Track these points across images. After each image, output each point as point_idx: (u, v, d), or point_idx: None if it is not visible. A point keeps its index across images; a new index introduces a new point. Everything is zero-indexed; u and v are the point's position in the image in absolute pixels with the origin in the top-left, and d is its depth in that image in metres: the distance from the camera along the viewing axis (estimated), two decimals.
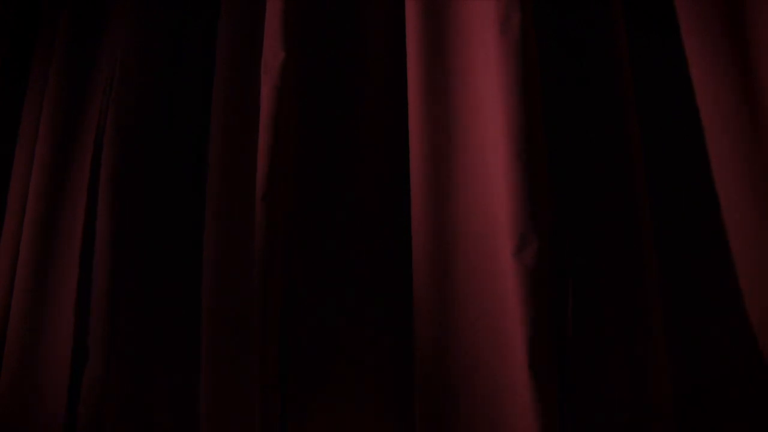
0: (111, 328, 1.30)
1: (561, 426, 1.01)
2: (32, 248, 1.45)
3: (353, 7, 1.37)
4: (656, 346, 1.05)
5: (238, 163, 1.33)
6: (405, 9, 1.27)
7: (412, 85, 1.22)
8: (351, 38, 1.36)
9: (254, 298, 1.17)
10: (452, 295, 1.11)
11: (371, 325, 1.20)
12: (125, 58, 1.48)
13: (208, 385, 1.22)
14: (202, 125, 1.43)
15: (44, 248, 1.45)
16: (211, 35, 1.49)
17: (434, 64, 1.21)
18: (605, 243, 1.11)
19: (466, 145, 1.16)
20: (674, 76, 1.17)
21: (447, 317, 1.10)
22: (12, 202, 1.59)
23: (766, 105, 1.09)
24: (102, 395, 1.26)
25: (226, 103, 1.38)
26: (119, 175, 1.39)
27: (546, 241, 1.05)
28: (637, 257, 1.08)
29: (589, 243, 1.12)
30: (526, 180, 1.06)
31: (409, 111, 1.22)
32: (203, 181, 1.37)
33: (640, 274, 1.08)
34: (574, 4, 1.25)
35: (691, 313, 1.10)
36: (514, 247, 1.04)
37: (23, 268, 1.45)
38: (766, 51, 1.10)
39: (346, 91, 1.33)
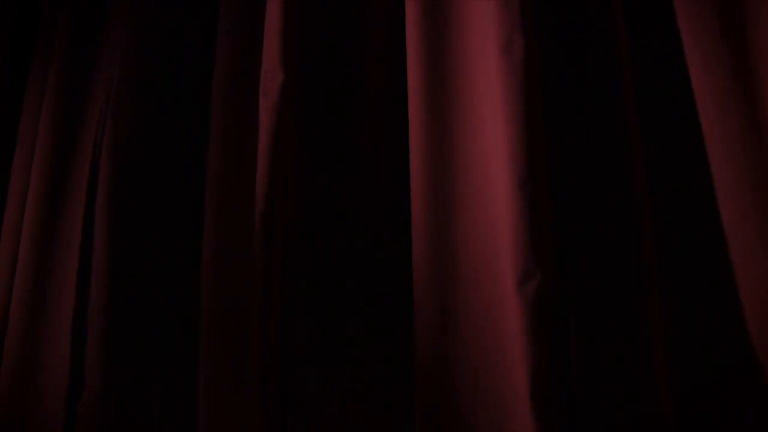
0: (110, 330, 1.30)
1: None
2: (32, 248, 1.45)
3: (353, 28, 1.37)
4: (660, 376, 1.04)
5: (238, 165, 1.33)
6: (406, 36, 1.27)
7: (412, 110, 1.21)
8: (350, 62, 1.35)
9: (254, 299, 1.17)
10: (453, 325, 1.10)
11: (372, 332, 1.20)
12: (125, 58, 1.48)
13: (207, 387, 1.21)
14: (201, 126, 1.43)
15: (44, 248, 1.45)
16: (211, 35, 1.48)
17: (435, 91, 1.20)
18: (608, 273, 1.10)
19: (467, 173, 1.16)
20: (673, 77, 1.17)
21: (447, 348, 1.09)
22: (11, 202, 1.59)
23: (766, 104, 1.09)
24: (102, 396, 1.26)
25: (225, 103, 1.38)
26: (118, 176, 1.38)
27: (549, 273, 1.04)
28: (642, 289, 1.08)
29: (592, 272, 1.12)
30: (528, 211, 1.05)
31: (410, 137, 1.21)
32: (203, 182, 1.37)
33: (644, 305, 1.07)
34: (573, 4, 1.25)
35: (692, 323, 1.09)
36: (516, 280, 1.03)
37: (23, 268, 1.45)
38: (765, 51, 1.10)
39: (344, 113, 1.32)
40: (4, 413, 1.33)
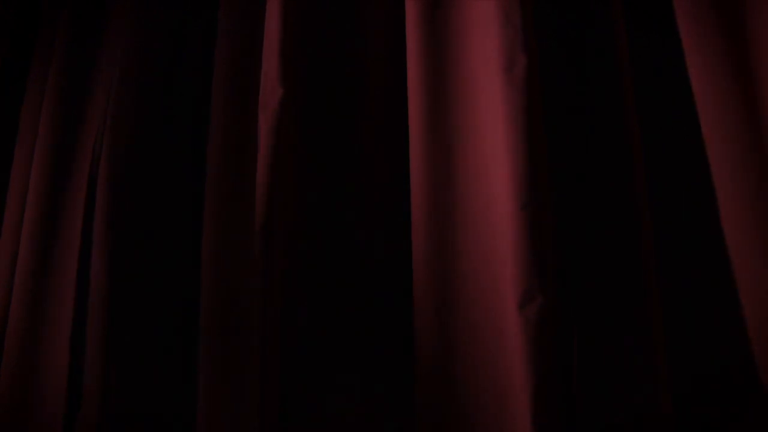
0: (109, 330, 1.29)
1: None
2: (32, 248, 1.45)
3: (354, 46, 1.36)
4: (664, 399, 1.03)
5: (238, 165, 1.32)
6: (406, 59, 1.26)
7: (413, 129, 1.21)
8: (351, 79, 1.35)
9: (254, 300, 1.17)
10: (454, 344, 1.09)
11: (372, 333, 1.20)
12: (125, 58, 1.48)
13: (207, 387, 1.21)
14: (201, 126, 1.43)
15: (44, 248, 1.45)
16: (211, 35, 1.48)
17: (436, 111, 1.20)
18: (611, 293, 1.10)
19: (468, 194, 1.15)
20: (673, 79, 1.17)
21: (448, 369, 1.08)
22: (11, 201, 1.59)
23: (766, 104, 1.09)
24: (101, 397, 1.25)
25: (225, 103, 1.38)
26: (118, 176, 1.38)
27: (551, 295, 1.03)
28: (644, 307, 1.07)
29: (593, 289, 1.11)
30: (530, 232, 1.04)
31: (410, 156, 1.21)
32: (203, 182, 1.37)
33: (647, 324, 1.06)
34: (573, 6, 1.25)
35: (691, 325, 1.09)
36: (517, 302, 1.02)
37: (23, 268, 1.45)
38: (765, 51, 1.10)
39: (344, 125, 1.32)
40: (3, 413, 1.33)
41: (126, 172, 1.39)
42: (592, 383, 1.07)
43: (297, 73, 1.30)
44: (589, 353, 1.08)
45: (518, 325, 1.01)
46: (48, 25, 1.68)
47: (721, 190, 1.09)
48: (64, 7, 1.64)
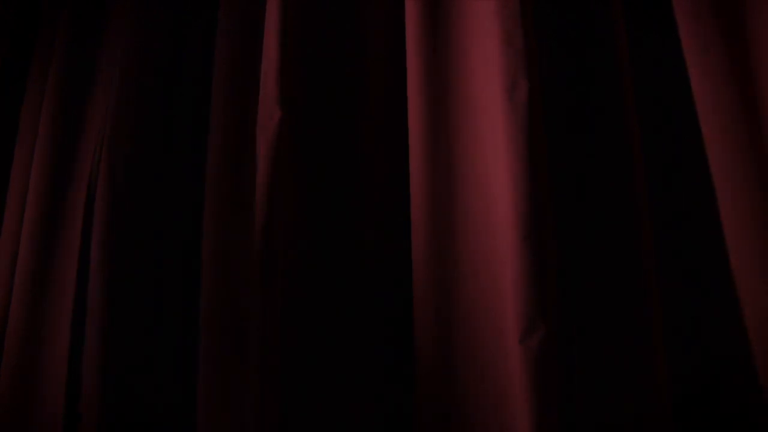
0: (108, 331, 1.29)
1: None
2: (31, 248, 1.45)
3: (353, 66, 1.35)
4: (663, 403, 1.03)
5: (238, 165, 1.32)
6: (407, 78, 1.25)
7: (414, 155, 1.20)
8: (351, 98, 1.34)
9: (254, 302, 1.17)
10: (455, 375, 1.08)
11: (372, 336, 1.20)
12: (125, 58, 1.48)
13: (207, 389, 1.21)
14: (202, 126, 1.43)
15: (44, 248, 1.45)
16: (212, 35, 1.48)
17: (438, 141, 1.19)
18: (613, 322, 1.09)
19: (469, 223, 1.14)
20: (674, 91, 1.16)
21: (449, 399, 1.08)
22: (11, 202, 1.59)
23: (766, 104, 1.09)
24: (100, 397, 1.25)
25: (225, 103, 1.38)
26: (117, 178, 1.37)
27: (553, 326, 1.02)
28: (648, 341, 1.06)
29: (596, 323, 1.10)
30: (533, 264, 1.02)
31: (410, 185, 1.19)
32: (202, 183, 1.37)
33: (650, 356, 1.05)
34: (576, 22, 1.24)
35: (691, 328, 1.09)
36: (519, 334, 1.01)
37: (23, 268, 1.44)
38: (765, 51, 1.10)
39: (343, 158, 1.30)
40: (3, 413, 1.33)
41: (126, 173, 1.38)
42: (592, 388, 1.06)
43: (295, 94, 1.29)
44: (589, 365, 1.08)
45: (520, 359, 1.00)
46: (48, 25, 1.68)
47: (721, 190, 1.09)
48: (64, 7, 1.64)
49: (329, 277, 1.23)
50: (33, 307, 1.41)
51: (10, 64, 1.71)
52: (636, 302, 1.08)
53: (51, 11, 1.69)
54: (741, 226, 1.07)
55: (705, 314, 1.09)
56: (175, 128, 1.47)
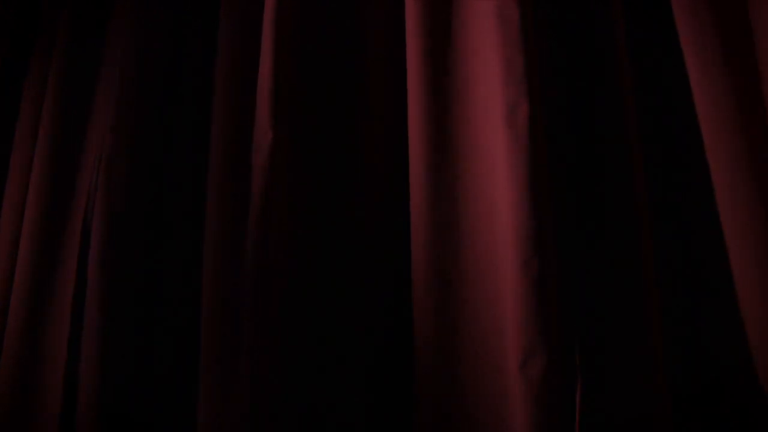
0: (107, 330, 1.29)
1: None
2: (31, 248, 1.45)
3: (353, 87, 1.34)
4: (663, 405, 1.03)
5: (238, 166, 1.32)
6: (408, 103, 1.24)
7: (414, 172, 1.19)
8: (349, 123, 1.32)
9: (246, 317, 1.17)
10: (456, 402, 1.07)
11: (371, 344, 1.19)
12: (125, 58, 1.48)
13: (207, 389, 1.21)
14: (202, 126, 1.42)
15: (43, 249, 1.45)
16: (213, 35, 1.48)
17: (440, 163, 1.18)
18: (615, 345, 1.08)
19: (470, 247, 1.12)
20: (675, 92, 1.15)
21: (449, 427, 1.07)
22: (10, 201, 1.58)
23: (763, 103, 1.08)
24: (98, 397, 1.25)
25: (226, 105, 1.37)
26: (118, 183, 1.36)
27: (554, 354, 1.01)
28: (651, 363, 1.05)
29: (596, 349, 1.09)
30: (535, 290, 1.01)
31: (411, 206, 1.19)
32: (203, 185, 1.36)
33: (653, 377, 1.04)
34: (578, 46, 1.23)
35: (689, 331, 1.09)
36: (519, 361, 1.00)
37: (23, 267, 1.44)
38: (764, 51, 1.10)
39: (339, 178, 1.29)
40: (3, 412, 1.33)
41: (127, 178, 1.37)
42: (594, 411, 1.05)
43: (288, 114, 1.28)
44: (591, 389, 1.06)
45: (520, 385, 0.99)
46: (48, 25, 1.68)
47: (720, 190, 1.08)
48: (64, 6, 1.64)
49: (321, 299, 1.22)
50: (33, 308, 1.40)
51: (10, 64, 1.71)
52: (638, 324, 1.06)
53: (51, 11, 1.69)
54: (739, 224, 1.06)
55: (704, 320, 1.08)
56: (175, 129, 1.46)
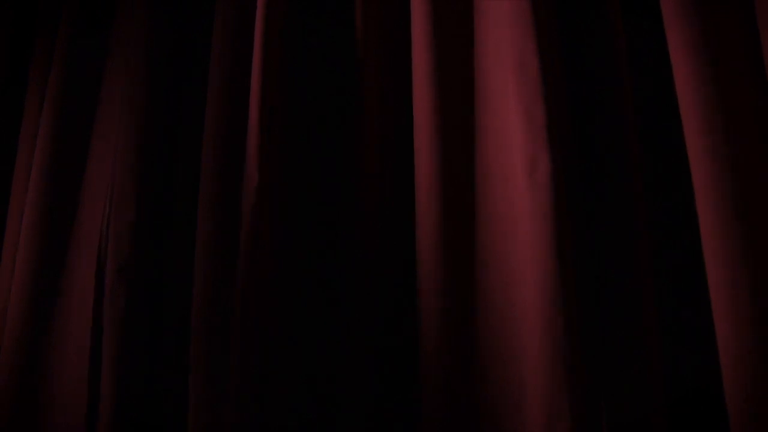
0: (123, 339, 1.31)
1: None
2: (31, 250, 1.46)
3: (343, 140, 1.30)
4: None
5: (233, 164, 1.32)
6: (416, 154, 1.20)
7: (423, 229, 1.15)
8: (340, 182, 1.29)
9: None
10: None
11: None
12: (131, 58, 1.48)
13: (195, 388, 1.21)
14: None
15: (50, 251, 1.46)
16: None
17: (453, 216, 1.14)
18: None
19: (491, 309, 1.09)
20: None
21: None
22: (14, 202, 1.60)
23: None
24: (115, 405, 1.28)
25: (225, 103, 1.37)
26: (123, 246, 1.36)
27: (582, 414, 0.97)
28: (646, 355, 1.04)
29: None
30: (558, 352, 0.98)
31: (420, 261, 1.14)
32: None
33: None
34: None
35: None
36: (544, 426, 0.97)
37: (28, 266, 1.46)
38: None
39: (333, 233, 1.26)
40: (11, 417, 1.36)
41: (131, 240, 1.37)
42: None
43: (276, 159, 1.27)
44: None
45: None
46: (47, 25, 1.68)
47: (701, 194, 1.03)
48: (61, 12, 1.63)
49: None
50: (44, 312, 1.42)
51: (10, 63, 1.72)
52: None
53: (49, 10, 1.69)
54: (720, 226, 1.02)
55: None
56: (180, 130, 1.46)
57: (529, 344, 1.02)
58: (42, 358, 1.39)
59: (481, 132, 1.18)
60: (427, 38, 1.22)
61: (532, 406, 1.00)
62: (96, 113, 1.56)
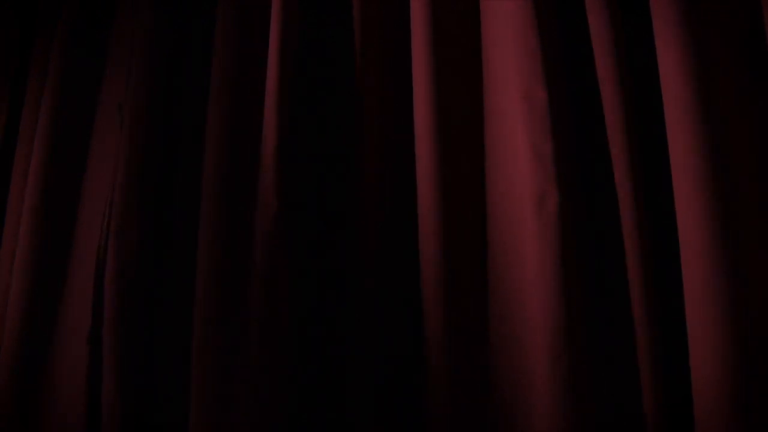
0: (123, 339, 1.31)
1: None
2: (31, 250, 1.46)
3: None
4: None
5: (236, 168, 1.33)
6: (418, 188, 1.19)
7: (426, 259, 1.14)
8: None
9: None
10: None
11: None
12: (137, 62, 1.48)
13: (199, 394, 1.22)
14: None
15: (50, 251, 1.46)
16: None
17: (460, 248, 1.14)
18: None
19: (503, 338, 1.09)
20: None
21: None
22: (12, 202, 1.60)
23: None
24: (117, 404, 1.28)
25: (228, 105, 1.37)
26: (125, 264, 1.36)
27: None
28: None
29: None
30: (567, 390, 0.99)
31: (425, 292, 1.14)
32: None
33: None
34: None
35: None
36: None
37: (26, 264, 1.46)
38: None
39: (345, 262, 1.25)
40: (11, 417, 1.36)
41: (132, 258, 1.37)
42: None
43: (293, 185, 1.26)
44: None
45: None
46: (46, 25, 1.68)
47: (679, 190, 1.04)
48: (61, 12, 1.63)
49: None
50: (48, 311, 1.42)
51: (10, 64, 1.71)
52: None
53: (48, 12, 1.69)
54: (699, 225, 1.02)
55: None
56: (182, 131, 1.46)
57: (538, 379, 1.02)
58: (42, 358, 1.38)
59: (495, 166, 1.18)
60: (426, 38, 1.23)
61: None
62: (96, 113, 1.57)
